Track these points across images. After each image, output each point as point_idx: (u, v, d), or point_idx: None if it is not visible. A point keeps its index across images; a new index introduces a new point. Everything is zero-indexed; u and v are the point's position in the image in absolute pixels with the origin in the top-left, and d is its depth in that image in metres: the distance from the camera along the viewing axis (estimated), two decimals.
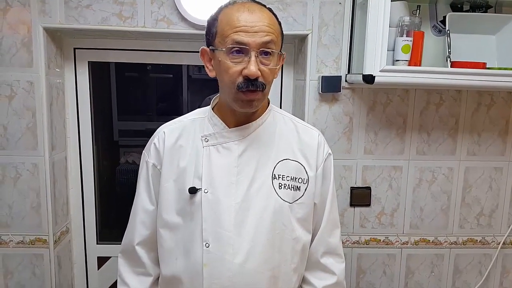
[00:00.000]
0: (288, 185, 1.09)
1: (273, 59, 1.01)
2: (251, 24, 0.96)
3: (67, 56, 1.82)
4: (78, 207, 1.93)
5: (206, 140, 1.09)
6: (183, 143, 1.11)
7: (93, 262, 1.98)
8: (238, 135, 1.09)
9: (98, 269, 1.99)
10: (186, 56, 1.87)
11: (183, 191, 1.07)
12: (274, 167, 1.09)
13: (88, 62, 1.84)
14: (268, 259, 1.06)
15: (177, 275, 1.09)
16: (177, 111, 3.07)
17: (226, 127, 1.10)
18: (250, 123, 1.10)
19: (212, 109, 1.14)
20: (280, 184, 1.08)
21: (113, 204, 2.75)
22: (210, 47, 1.04)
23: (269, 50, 0.99)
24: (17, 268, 1.75)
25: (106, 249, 1.99)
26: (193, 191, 1.06)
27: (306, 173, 1.11)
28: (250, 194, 1.06)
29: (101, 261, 1.99)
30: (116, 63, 2.11)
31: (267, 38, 0.97)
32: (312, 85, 1.72)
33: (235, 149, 1.08)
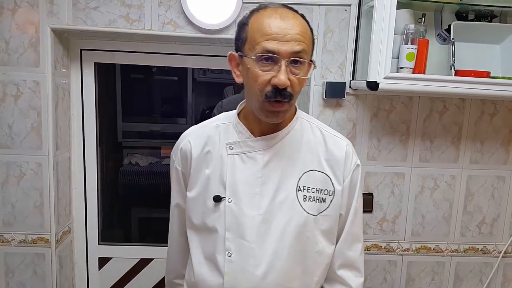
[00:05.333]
0: (313, 197, 1.05)
1: (303, 68, 0.97)
2: (283, 32, 0.93)
3: (74, 57, 1.83)
4: (80, 208, 1.94)
5: (231, 148, 1.06)
6: (208, 151, 1.09)
7: (94, 263, 1.99)
8: (264, 144, 1.05)
9: (99, 269, 2.00)
10: (192, 59, 1.87)
11: (208, 198, 1.06)
12: (299, 179, 1.05)
13: (94, 63, 1.86)
14: (289, 272, 1.03)
15: (198, 281, 1.08)
16: (182, 114, 3.07)
17: (252, 135, 1.06)
18: (276, 133, 1.06)
19: (238, 115, 1.11)
20: (305, 196, 1.04)
21: (116, 205, 2.75)
22: (238, 52, 1.00)
23: (299, 59, 0.95)
24: (19, 267, 1.75)
25: (107, 250, 1.99)
26: (217, 199, 1.04)
27: (332, 185, 1.07)
28: (273, 206, 1.03)
29: (102, 261, 1.99)
30: (121, 64, 2.12)
31: (298, 48, 0.93)
32: (316, 90, 1.73)
33: (260, 159, 1.05)
